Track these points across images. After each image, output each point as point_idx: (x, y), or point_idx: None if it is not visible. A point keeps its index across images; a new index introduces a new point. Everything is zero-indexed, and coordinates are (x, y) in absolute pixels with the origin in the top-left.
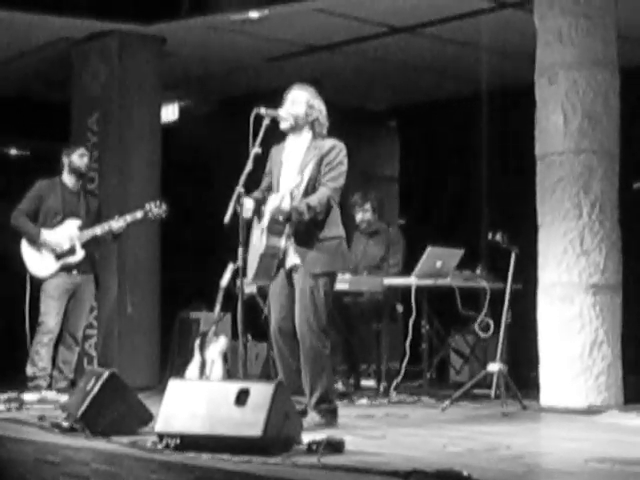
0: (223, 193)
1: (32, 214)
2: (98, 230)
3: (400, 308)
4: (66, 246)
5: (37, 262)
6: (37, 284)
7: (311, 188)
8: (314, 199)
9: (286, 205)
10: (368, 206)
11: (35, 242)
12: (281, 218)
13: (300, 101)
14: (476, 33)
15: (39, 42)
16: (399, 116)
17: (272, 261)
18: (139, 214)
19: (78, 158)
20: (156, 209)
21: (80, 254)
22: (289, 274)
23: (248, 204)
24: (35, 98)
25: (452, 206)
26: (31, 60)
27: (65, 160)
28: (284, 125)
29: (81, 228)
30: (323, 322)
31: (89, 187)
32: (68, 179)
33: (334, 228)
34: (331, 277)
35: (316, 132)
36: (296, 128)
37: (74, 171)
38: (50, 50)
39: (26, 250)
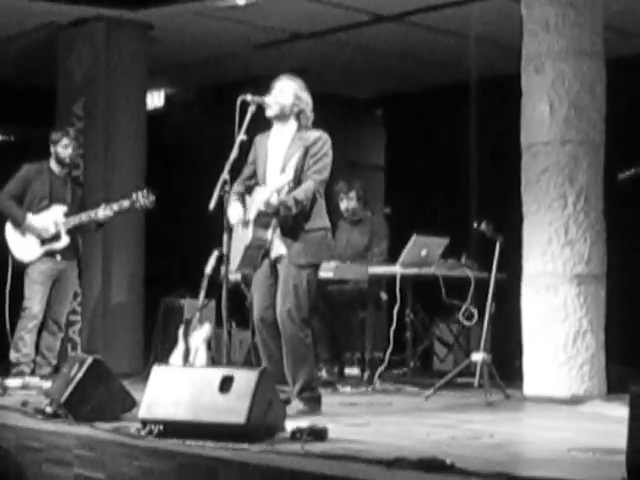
0: (208, 180)
1: (18, 197)
2: (84, 217)
3: (384, 296)
4: (51, 231)
5: (21, 246)
6: (19, 269)
7: (297, 180)
8: (300, 193)
9: (275, 200)
10: (353, 194)
11: (20, 226)
12: (269, 211)
13: (288, 91)
14: (463, 22)
15: (24, 27)
16: (385, 105)
17: (257, 252)
18: (126, 203)
19: (62, 149)
20: (143, 199)
21: (65, 240)
22: (274, 264)
23: (235, 209)
24: (20, 83)
25: (438, 195)
26: (16, 45)
27: (51, 149)
28: (270, 112)
29: (67, 214)
30: (304, 312)
31: (74, 174)
32: (55, 166)
33: (319, 220)
34: (315, 268)
35: (301, 123)
36: (282, 117)
37: (59, 161)
38: (35, 35)
39: (10, 233)
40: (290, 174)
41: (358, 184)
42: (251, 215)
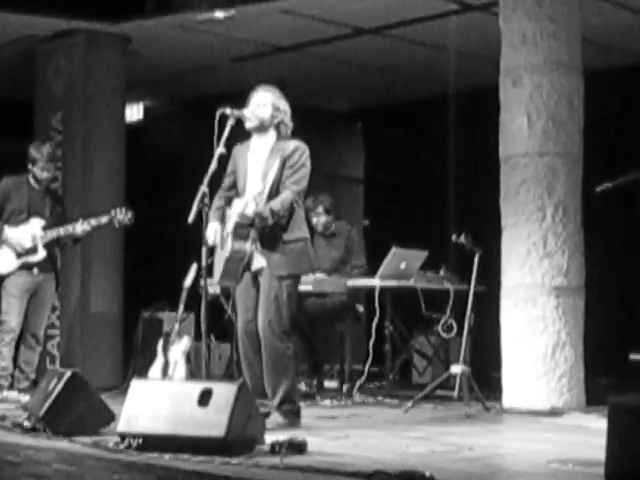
0: (187, 192)
1: None
2: (62, 231)
3: (361, 308)
4: (28, 245)
5: None
6: None
7: (275, 191)
8: (277, 203)
9: (250, 211)
10: (320, 209)
11: None
12: (245, 223)
13: (265, 103)
14: (441, 35)
15: (3, 40)
16: (364, 117)
17: (238, 265)
18: (104, 219)
19: (39, 171)
20: (121, 216)
21: (42, 254)
22: (255, 277)
23: (212, 229)
24: None
25: (417, 207)
26: None
27: (29, 166)
28: (249, 125)
29: (45, 228)
30: (285, 324)
31: (53, 186)
32: (33, 181)
33: (298, 230)
34: (295, 279)
35: (281, 133)
36: (261, 129)
37: (36, 179)
38: (14, 48)
39: None
40: (267, 185)
41: (323, 197)
42: (229, 227)
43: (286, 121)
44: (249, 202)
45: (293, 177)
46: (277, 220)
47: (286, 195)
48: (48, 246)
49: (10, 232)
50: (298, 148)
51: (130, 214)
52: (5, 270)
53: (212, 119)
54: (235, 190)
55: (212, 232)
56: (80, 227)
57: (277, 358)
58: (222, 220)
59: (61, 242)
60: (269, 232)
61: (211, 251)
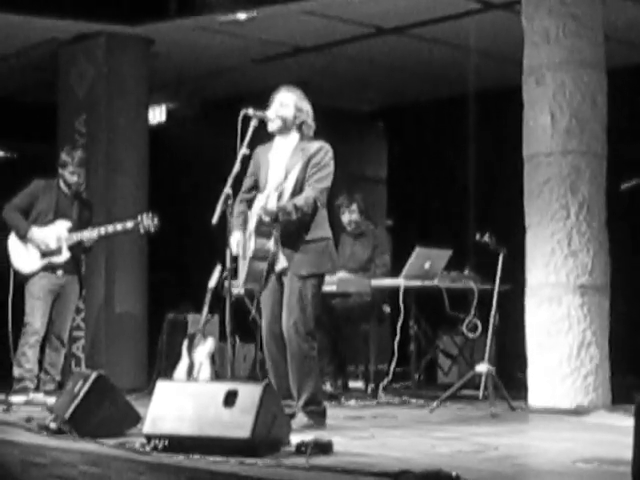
0: (211, 194)
1: (24, 210)
2: (87, 234)
3: (388, 309)
4: (53, 245)
5: (22, 257)
6: (19, 282)
7: (298, 189)
8: (300, 199)
9: (272, 205)
10: (354, 207)
11: (23, 237)
12: (268, 219)
13: (288, 104)
14: (463, 34)
15: (26, 43)
16: (387, 117)
17: (261, 263)
18: (130, 224)
19: (69, 175)
20: (147, 221)
21: (65, 255)
22: (279, 277)
23: (235, 239)
24: (22, 99)
25: (440, 207)
26: (18, 61)
27: (60, 170)
28: (272, 127)
29: (70, 230)
30: (310, 325)
31: (82, 195)
32: (63, 185)
33: (321, 230)
34: (319, 279)
35: (304, 134)
36: (284, 130)
37: (66, 183)
38: (37, 51)
39: (13, 244)
40: (289, 180)
41: (358, 197)
42: (251, 226)
43: (309, 122)
44: (271, 194)
45: (316, 175)
46: (301, 217)
47: (309, 193)
48: (72, 249)
49: (36, 232)
50: (322, 148)
51: (156, 220)
52: (29, 269)
53: (235, 120)
54: (256, 192)
55: (235, 243)
56: (104, 230)
57: (302, 359)
58: (244, 224)
59: (86, 245)
60: (292, 231)
61: (235, 258)
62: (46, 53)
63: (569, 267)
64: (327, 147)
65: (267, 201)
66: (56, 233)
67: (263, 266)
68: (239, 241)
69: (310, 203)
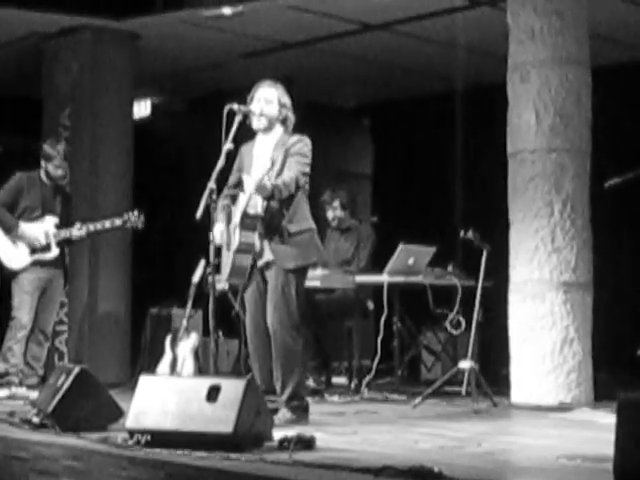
0: (195, 188)
1: (9, 205)
2: (75, 232)
3: (371, 305)
4: (42, 242)
5: (10, 253)
6: (5, 278)
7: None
8: (285, 177)
9: (267, 182)
10: (337, 203)
11: (11, 233)
12: (263, 195)
13: (272, 100)
14: (449, 31)
15: (10, 37)
16: (372, 113)
17: (246, 258)
18: (118, 222)
19: (53, 168)
20: (134, 218)
21: (55, 251)
22: (262, 272)
23: (218, 229)
24: (6, 93)
25: (425, 203)
26: (2, 55)
27: (42, 163)
28: (257, 125)
29: (58, 226)
30: (295, 319)
31: (62, 184)
32: (45, 178)
33: (304, 222)
34: (303, 271)
35: (287, 128)
36: (268, 128)
37: (49, 176)
38: (21, 45)
39: (0, 240)
40: (275, 165)
41: (342, 193)
42: (236, 219)
43: (290, 116)
44: (264, 175)
45: (295, 158)
46: (287, 195)
47: (290, 173)
48: (59, 244)
49: (26, 228)
50: (301, 140)
51: (142, 217)
52: (18, 266)
53: (220, 115)
54: (241, 188)
55: (218, 233)
56: (93, 227)
57: (287, 354)
58: (228, 219)
59: (73, 241)
60: (276, 225)
61: (218, 251)
62: (30, 47)
63: (553, 264)
64: (306, 140)
65: (262, 178)
66: (44, 229)
67: (247, 261)
68: (222, 232)
69: (294, 180)
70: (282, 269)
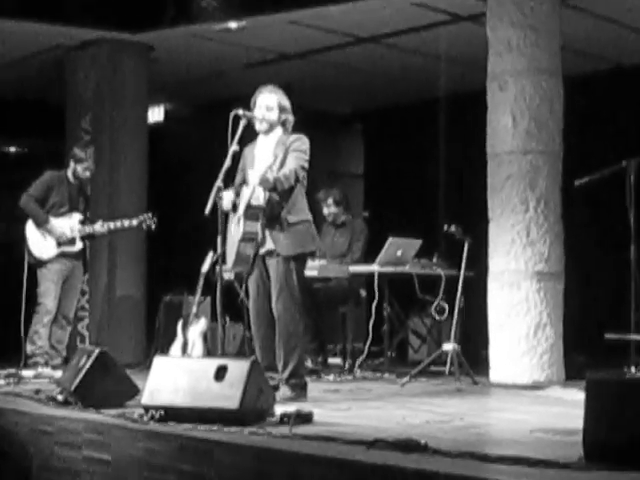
0: (204, 187)
1: (40, 201)
2: (98, 228)
3: (364, 293)
4: (68, 236)
5: (39, 244)
6: (33, 267)
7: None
8: (286, 170)
9: (270, 175)
10: (331, 200)
11: (41, 226)
12: (267, 187)
13: (272, 106)
14: (434, 44)
15: (36, 49)
16: (364, 119)
17: (250, 246)
18: (135, 222)
19: (82, 170)
20: (149, 221)
21: (79, 245)
22: (264, 260)
23: (227, 196)
24: (32, 100)
25: (412, 200)
26: (28, 65)
27: (72, 164)
28: (260, 128)
29: (82, 222)
30: (298, 302)
31: (88, 190)
32: (71, 177)
33: (302, 213)
34: (303, 258)
35: (287, 129)
36: (270, 130)
37: (76, 176)
38: (46, 56)
39: (31, 232)
40: (276, 160)
41: (336, 191)
42: (241, 210)
43: (290, 118)
44: (267, 169)
45: (294, 154)
46: (287, 187)
47: (290, 166)
48: (82, 238)
49: (55, 222)
50: (299, 138)
51: (155, 219)
52: (46, 256)
53: (226, 120)
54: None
55: (227, 199)
56: (113, 225)
57: (290, 335)
58: (234, 209)
59: (95, 236)
60: (277, 215)
61: (224, 241)
62: (54, 58)
63: (528, 255)
64: (304, 138)
65: (265, 172)
66: (70, 224)
67: (251, 249)
68: (231, 199)
69: (294, 173)
70: (282, 257)
